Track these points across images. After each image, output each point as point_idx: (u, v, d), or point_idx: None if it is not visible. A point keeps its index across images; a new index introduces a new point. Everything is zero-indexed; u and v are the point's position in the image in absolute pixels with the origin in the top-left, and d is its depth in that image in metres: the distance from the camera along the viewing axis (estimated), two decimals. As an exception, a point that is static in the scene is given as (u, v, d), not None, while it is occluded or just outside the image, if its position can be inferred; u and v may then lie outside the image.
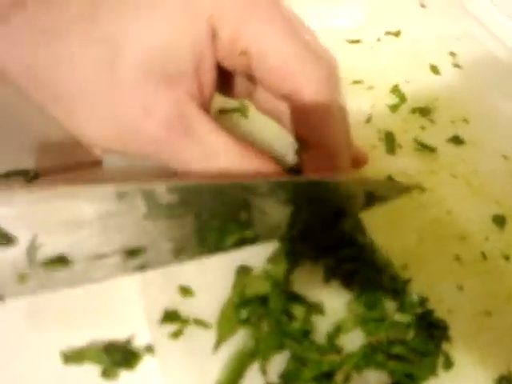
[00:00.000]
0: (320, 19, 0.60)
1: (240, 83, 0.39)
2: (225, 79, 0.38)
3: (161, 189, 0.30)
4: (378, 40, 0.61)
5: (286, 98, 0.35)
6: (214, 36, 0.33)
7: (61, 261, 0.29)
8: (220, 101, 0.47)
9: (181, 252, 0.33)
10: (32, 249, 0.28)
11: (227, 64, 0.35)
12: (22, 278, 0.28)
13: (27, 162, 0.42)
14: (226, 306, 0.35)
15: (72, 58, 0.31)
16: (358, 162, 0.41)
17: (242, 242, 0.34)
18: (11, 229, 0.27)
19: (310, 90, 0.34)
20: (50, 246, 0.28)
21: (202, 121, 0.33)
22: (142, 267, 0.32)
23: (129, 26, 0.31)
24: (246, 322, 0.34)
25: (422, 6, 0.68)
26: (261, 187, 0.33)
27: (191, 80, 0.33)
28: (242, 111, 0.48)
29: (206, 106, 0.35)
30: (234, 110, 0.49)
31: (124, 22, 0.31)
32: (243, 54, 0.33)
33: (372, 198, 0.37)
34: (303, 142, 0.36)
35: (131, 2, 0.31)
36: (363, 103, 0.52)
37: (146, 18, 0.31)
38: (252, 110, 0.48)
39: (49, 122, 0.35)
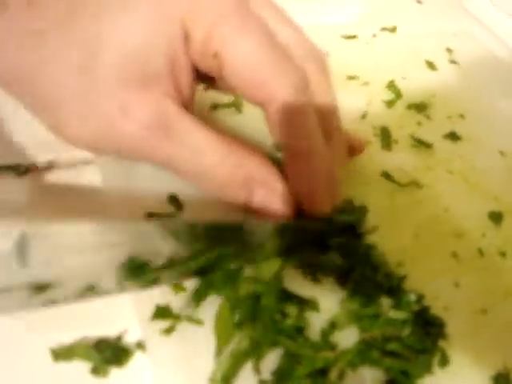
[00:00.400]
0: (316, 15, 0.60)
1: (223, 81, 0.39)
2: (209, 76, 0.38)
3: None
4: (374, 36, 0.61)
5: (259, 104, 0.35)
6: (186, 38, 0.33)
7: None
8: (213, 96, 0.47)
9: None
10: None
11: (202, 67, 0.35)
12: None
13: (18, 157, 0.42)
14: (221, 310, 0.35)
15: (52, 61, 0.31)
16: (354, 150, 0.41)
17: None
18: None
19: (281, 97, 0.34)
20: None
21: (181, 119, 0.33)
22: (50, 303, 0.32)
23: (105, 28, 0.32)
24: (240, 325, 0.34)
25: (419, 1, 0.68)
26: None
27: (167, 80, 0.33)
28: (236, 106, 0.48)
29: (186, 105, 0.35)
30: (227, 105, 0.48)
31: (101, 25, 0.32)
32: (215, 57, 0.33)
33: None
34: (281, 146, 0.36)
35: (108, 6, 0.32)
36: (359, 99, 0.52)
37: (121, 21, 0.32)
38: (246, 105, 0.48)
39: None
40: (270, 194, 0.35)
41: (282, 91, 0.34)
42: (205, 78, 0.38)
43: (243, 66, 0.34)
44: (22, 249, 0.30)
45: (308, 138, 0.35)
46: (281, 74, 0.34)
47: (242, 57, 0.33)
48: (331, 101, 0.38)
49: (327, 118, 0.37)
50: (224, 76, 0.35)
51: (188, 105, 0.36)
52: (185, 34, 0.33)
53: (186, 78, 0.34)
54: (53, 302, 0.32)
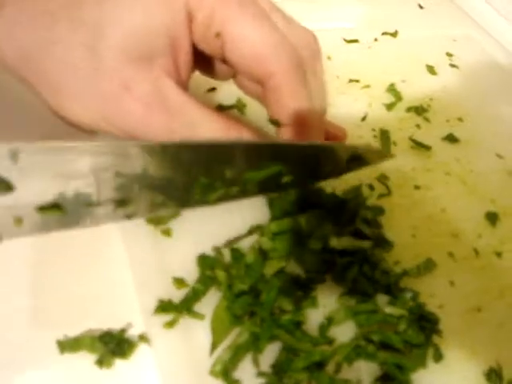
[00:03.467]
0: (319, 19, 0.61)
1: (222, 67, 0.41)
2: (208, 61, 0.40)
3: (154, 146, 0.32)
4: (376, 40, 0.62)
5: (259, 81, 0.37)
6: (190, 19, 0.35)
7: (55, 207, 0.30)
8: (217, 98, 0.48)
9: (166, 204, 0.35)
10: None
11: (205, 48, 0.37)
12: (18, 221, 0.30)
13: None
14: (218, 307, 0.36)
15: (59, 41, 0.33)
16: (336, 137, 0.42)
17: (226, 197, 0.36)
18: (9, 176, 0.29)
19: (281, 73, 0.36)
20: (46, 194, 0.30)
21: (178, 95, 0.35)
22: (130, 216, 0.34)
23: (109, 11, 0.33)
24: (239, 319, 0.35)
25: (420, 7, 0.69)
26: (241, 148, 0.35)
27: (167, 59, 0.35)
28: (240, 107, 0.49)
29: (183, 85, 0.37)
30: (231, 107, 0.49)
31: (105, 8, 0.33)
32: (217, 37, 0.35)
33: (354, 161, 0.38)
34: (277, 122, 0.37)
35: None
36: (360, 102, 0.53)
37: (124, 3, 0.34)
38: (249, 107, 0.49)
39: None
40: None
41: (281, 66, 0.36)
42: (203, 65, 0.40)
43: (244, 44, 0.35)
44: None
45: (306, 109, 0.37)
46: (280, 51, 0.36)
47: (243, 35, 0.35)
48: (322, 86, 0.40)
49: (317, 101, 0.39)
50: (226, 54, 0.36)
51: (185, 85, 0.37)
52: (188, 15, 0.35)
53: (185, 57, 0.36)
54: (132, 216, 0.34)
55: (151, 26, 0.34)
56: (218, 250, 0.38)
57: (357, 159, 0.38)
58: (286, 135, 0.37)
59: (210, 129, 0.35)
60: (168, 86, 0.35)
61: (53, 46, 0.33)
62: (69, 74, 0.33)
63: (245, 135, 0.37)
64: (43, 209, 0.30)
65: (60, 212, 0.31)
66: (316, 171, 0.39)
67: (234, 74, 0.42)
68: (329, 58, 0.57)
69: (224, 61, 0.38)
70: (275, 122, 0.37)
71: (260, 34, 0.35)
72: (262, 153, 0.36)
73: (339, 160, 0.38)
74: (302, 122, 0.37)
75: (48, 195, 0.30)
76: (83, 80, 0.34)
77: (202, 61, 0.39)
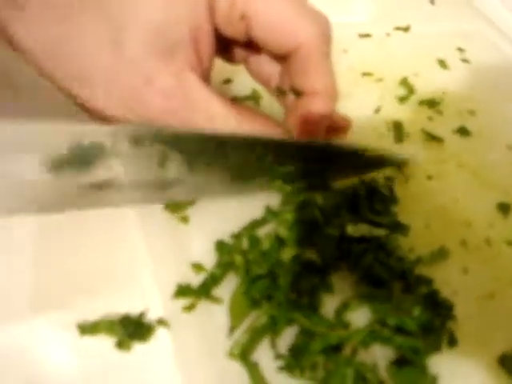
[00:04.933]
0: (332, 14, 0.61)
1: (237, 50, 0.42)
2: (223, 47, 0.41)
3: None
4: (388, 35, 0.62)
5: (285, 54, 0.38)
6: (212, 7, 0.36)
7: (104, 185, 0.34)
8: (233, 89, 0.48)
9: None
10: None
11: (229, 31, 0.38)
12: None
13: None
14: (236, 291, 0.36)
15: (84, 35, 0.34)
16: (340, 128, 0.44)
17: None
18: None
19: (308, 44, 0.37)
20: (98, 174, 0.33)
21: (200, 88, 0.36)
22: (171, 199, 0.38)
23: (132, 5, 0.34)
24: (256, 303, 0.35)
25: (431, 2, 0.69)
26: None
27: (189, 51, 0.36)
28: (255, 99, 0.50)
29: (205, 76, 0.38)
30: (246, 98, 0.50)
31: (127, 3, 0.34)
32: (242, 19, 0.36)
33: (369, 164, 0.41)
34: (298, 91, 0.39)
35: None
36: (373, 95, 0.53)
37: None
38: (264, 98, 0.49)
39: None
40: None
41: (309, 36, 0.37)
42: (219, 50, 0.40)
43: (271, 18, 0.36)
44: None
45: (329, 82, 0.39)
46: (306, 23, 0.37)
47: (269, 11, 0.36)
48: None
49: None
50: (252, 33, 0.37)
51: (207, 75, 0.38)
52: (210, 4, 0.36)
53: (207, 46, 0.37)
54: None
55: (172, 17, 0.35)
56: (235, 236, 0.38)
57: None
58: (310, 105, 0.38)
59: (228, 124, 0.36)
60: (190, 80, 0.36)
61: (75, 40, 0.34)
62: (91, 65, 0.34)
63: (258, 126, 0.38)
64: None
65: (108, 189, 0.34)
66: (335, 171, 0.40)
67: (245, 59, 0.43)
68: (345, 51, 0.57)
69: (246, 43, 0.39)
70: (298, 93, 0.39)
71: (284, 6, 0.36)
72: (286, 150, 0.38)
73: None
74: (326, 91, 0.38)
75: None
76: (106, 75, 0.34)
77: (219, 46, 0.40)
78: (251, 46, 0.40)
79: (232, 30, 0.37)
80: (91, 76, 0.34)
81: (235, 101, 0.49)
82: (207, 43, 0.37)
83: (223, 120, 0.36)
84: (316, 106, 0.38)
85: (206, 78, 0.37)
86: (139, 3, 0.34)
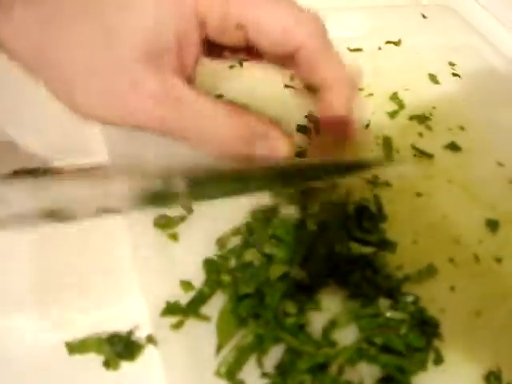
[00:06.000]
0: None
1: (236, 54, 0.42)
2: (221, 51, 0.41)
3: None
4: (379, 49, 0.62)
5: (288, 56, 0.38)
6: (203, 18, 0.36)
7: None
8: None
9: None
10: None
11: (225, 40, 0.38)
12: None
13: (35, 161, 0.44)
14: (223, 310, 0.36)
15: (75, 41, 0.34)
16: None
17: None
18: None
19: (311, 41, 0.37)
20: None
21: (185, 88, 0.36)
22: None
23: (125, 11, 0.35)
24: (244, 321, 0.36)
25: (423, 16, 0.70)
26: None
27: (174, 57, 0.36)
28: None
29: (189, 80, 0.38)
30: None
31: (120, 12, 0.35)
32: (239, 28, 0.37)
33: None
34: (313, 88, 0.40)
35: None
36: (363, 110, 0.54)
37: (138, 7, 0.35)
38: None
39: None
40: (271, 145, 0.38)
41: (309, 35, 0.37)
42: (221, 55, 0.41)
43: (270, 26, 0.37)
44: None
45: (341, 69, 0.39)
46: (304, 22, 0.37)
47: (266, 19, 0.37)
48: None
49: None
50: (252, 41, 0.38)
51: (191, 78, 0.38)
52: (200, 20, 0.36)
53: (192, 55, 0.37)
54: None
55: (160, 25, 0.35)
56: (222, 256, 0.39)
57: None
58: (329, 97, 0.39)
59: (217, 119, 0.36)
60: (175, 82, 0.36)
61: (66, 45, 0.34)
62: (80, 72, 0.35)
63: (247, 119, 0.38)
64: None
65: None
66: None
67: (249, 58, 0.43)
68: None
69: (245, 48, 0.39)
70: (313, 89, 0.40)
71: (281, 11, 0.37)
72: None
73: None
74: (339, 80, 0.39)
75: None
76: (93, 79, 0.35)
77: (217, 50, 0.40)
78: (251, 49, 0.40)
79: (228, 39, 0.38)
80: (79, 81, 0.35)
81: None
82: (192, 52, 0.37)
83: (211, 113, 0.36)
84: (335, 95, 0.39)
85: (190, 82, 0.38)
86: (132, 10, 0.35)
